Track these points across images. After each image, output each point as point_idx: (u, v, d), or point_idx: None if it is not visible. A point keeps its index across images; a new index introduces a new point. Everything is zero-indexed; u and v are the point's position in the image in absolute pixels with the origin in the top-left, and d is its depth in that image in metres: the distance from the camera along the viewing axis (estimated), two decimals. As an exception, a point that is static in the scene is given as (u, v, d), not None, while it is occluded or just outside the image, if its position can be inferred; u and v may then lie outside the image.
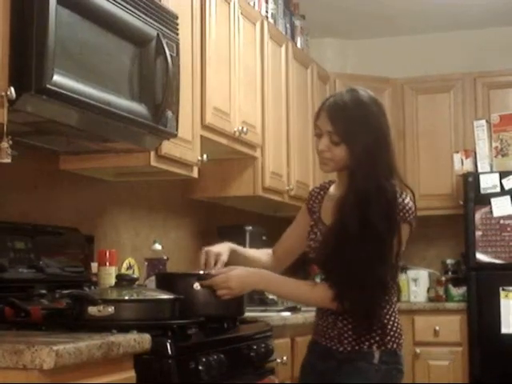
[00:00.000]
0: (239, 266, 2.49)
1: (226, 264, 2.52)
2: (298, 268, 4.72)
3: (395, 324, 2.37)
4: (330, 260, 2.35)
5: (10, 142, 2.17)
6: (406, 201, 2.35)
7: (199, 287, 2.48)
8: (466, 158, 5.08)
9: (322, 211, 2.47)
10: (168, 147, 3.01)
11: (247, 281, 2.45)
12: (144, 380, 2.13)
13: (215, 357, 2.35)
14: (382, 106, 2.42)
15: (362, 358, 2.33)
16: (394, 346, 2.35)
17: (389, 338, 2.34)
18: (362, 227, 2.27)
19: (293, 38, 4.77)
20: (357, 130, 2.31)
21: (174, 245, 3.95)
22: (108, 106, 2.45)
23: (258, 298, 3.91)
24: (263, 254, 2.69)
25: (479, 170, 5.02)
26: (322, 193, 2.52)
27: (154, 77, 2.70)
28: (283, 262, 2.67)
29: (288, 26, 4.71)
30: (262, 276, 2.47)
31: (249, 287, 2.49)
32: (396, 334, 2.36)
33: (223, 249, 2.56)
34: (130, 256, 3.49)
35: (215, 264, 2.51)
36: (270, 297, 3.94)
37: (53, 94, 2.19)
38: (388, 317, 2.36)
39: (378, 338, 2.33)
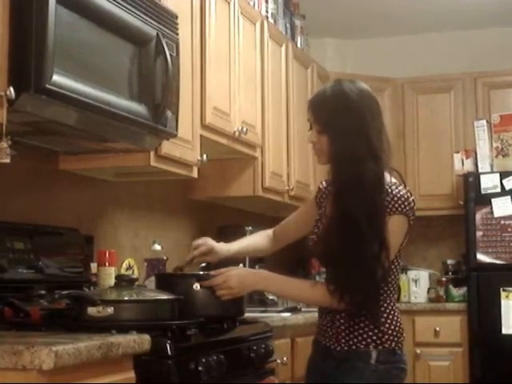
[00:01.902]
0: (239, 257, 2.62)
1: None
2: (297, 266, 4.76)
3: (393, 322, 2.35)
4: (324, 256, 2.39)
5: (10, 142, 2.17)
6: (402, 192, 2.33)
7: (199, 287, 2.47)
8: (467, 158, 5.08)
9: (327, 206, 2.48)
10: (168, 147, 3.01)
11: (247, 280, 2.45)
12: (144, 381, 2.12)
13: (215, 357, 2.34)
14: (368, 95, 2.40)
15: (358, 358, 2.33)
16: (393, 344, 2.33)
17: (387, 336, 2.33)
18: (344, 221, 2.29)
19: (293, 37, 4.76)
20: (335, 118, 2.35)
21: (174, 245, 3.94)
22: (107, 105, 2.44)
23: (258, 299, 3.90)
24: (261, 238, 2.79)
25: (480, 170, 5.01)
26: (329, 188, 2.52)
27: (154, 77, 2.70)
28: (280, 243, 2.77)
29: (288, 25, 4.70)
30: (261, 276, 2.49)
31: (249, 287, 2.49)
32: (395, 333, 2.35)
33: (220, 252, 2.67)
34: (129, 256, 3.49)
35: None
36: (270, 297, 3.94)
37: (52, 93, 2.18)
38: (386, 315, 2.34)
39: (374, 338, 2.32)
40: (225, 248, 2.69)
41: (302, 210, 2.70)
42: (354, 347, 2.33)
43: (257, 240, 2.80)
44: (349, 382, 2.33)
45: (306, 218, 2.59)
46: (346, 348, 2.34)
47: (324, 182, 2.57)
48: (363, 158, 2.30)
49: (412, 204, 2.35)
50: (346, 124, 2.33)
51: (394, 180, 2.38)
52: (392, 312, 2.37)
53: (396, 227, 2.31)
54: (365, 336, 2.32)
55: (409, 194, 2.36)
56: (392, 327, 2.35)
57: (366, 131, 2.32)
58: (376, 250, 2.27)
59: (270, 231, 2.79)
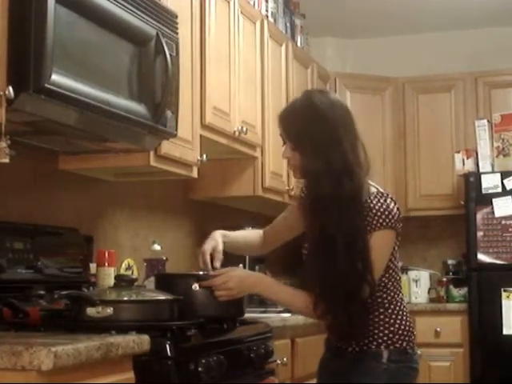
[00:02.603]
0: (232, 250, 2.58)
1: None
2: (296, 268, 4.75)
3: (403, 322, 2.35)
4: (308, 272, 2.34)
5: (9, 142, 2.16)
6: (385, 205, 2.27)
7: (198, 288, 2.47)
8: (468, 157, 5.07)
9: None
10: (168, 147, 3.00)
11: (246, 282, 2.45)
12: (143, 381, 2.12)
13: (215, 358, 2.34)
14: (340, 107, 2.34)
15: (370, 358, 2.33)
16: (404, 344, 2.34)
17: (397, 337, 2.33)
18: (322, 241, 2.25)
19: (293, 37, 4.76)
20: (306, 132, 2.29)
21: (174, 245, 3.94)
22: (107, 105, 2.44)
23: (258, 299, 3.89)
24: (253, 235, 2.75)
25: (480, 170, 5.01)
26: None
27: (154, 76, 2.69)
28: (271, 245, 2.72)
29: (288, 25, 4.69)
30: (260, 280, 2.48)
31: (247, 289, 2.48)
32: (405, 333, 2.35)
33: (216, 241, 2.58)
34: (129, 256, 3.48)
35: (212, 261, 2.54)
36: (270, 298, 3.93)
37: (51, 93, 2.18)
38: (394, 316, 2.35)
39: (385, 338, 2.32)
40: (221, 234, 2.63)
41: (288, 216, 2.61)
42: (365, 347, 2.33)
43: (250, 235, 2.77)
44: (361, 382, 2.33)
45: (291, 223, 2.53)
46: (357, 349, 2.34)
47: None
48: (337, 173, 2.24)
49: (396, 215, 2.29)
50: (318, 138, 2.27)
51: (375, 190, 2.31)
52: (400, 312, 2.36)
53: (380, 243, 2.27)
54: (376, 337, 2.32)
55: (392, 205, 2.29)
56: (402, 327, 2.35)
57: (339, 145, 2.26)
58: (360, 268, 2.22)
59: (261, 231, 2.75)
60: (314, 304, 2.28)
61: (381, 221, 2.27)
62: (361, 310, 2.26)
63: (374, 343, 2.32)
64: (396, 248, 2.36)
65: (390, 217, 2.28)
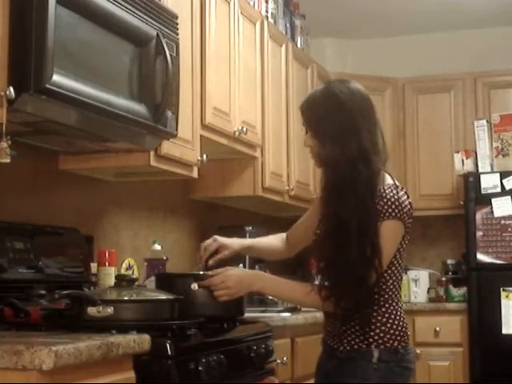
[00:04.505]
0: (253, 253, 2.63)
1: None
2: (297, 266, 4.75)
3: (396, 322, 2.35)
4: (319, 259, 2.37)
5: (9, 142, 2.17)
6: (397, 196, 2.29)
7: (196, 287, 2.47)
8: (467, 157, 5.08)
9: None
10: (168, 147, 3.01)
11: (245, 281, 2.46)
12: (143, 381, 2.12)
13: (215, 357, 2.34)
14: (360, 96, 2.37)
15: (361, 357, 2.33)
16: (395, 344, 2.33)
17: (388, 336, 2.33)
18: (335, 225, 2.28)
19: (293, 37, 4.76)
20: (325, 120, 2.34)
21: (174, 245, 3.94)
22: (107, 105, 2.44)
23: (258, 299, 3.90)
24: (276, 239, 2.77)
25: (480, 170, 5.01)
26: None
27: (154, 77, 2.70)
28: (295, 247, 2.75)
29: (288, 25, 4.70)
30: (258, 277, 2.50)
31: (247, 287, 2.49)
32: (397, 332, 2.34)
33: (232, 246, 2.64)
34: (129, 256, 3.48)
35: (216, 253, 2.59)
36: (270, 297, 3.94)
37: (52, 93, 2.18)
38: (387, 315, 2.34)
39: (376, 337, 2.32)
40: (237, 242, 2.69)
41: (310, 212, 2.66)
42: (356, 347, 2.33)
43: (272, 240, 2.78)
44: (351, 382, 2.33)
45: (314, 219, 2.54)
46: (348, 348, 2.34)
47: None
48: (353, 160, 2.28)
49: (407, 208, 2.32)
50: (335, 126, 2.32)
51: (391, 182, 2.34)
52: (394, 312, 2.36)
53: (389, 232, 2.29)
54: (366, 336, 2.32)
55: (405, 198, 2.32)
56: (394, 326, 2.34)
57: (356, 133, 2.30)
58: (369, 254, 2.25)
59: (284, 234, 2.77)
60: (319, 287, 2.30)
61: (390, 210, 2.28)
62: (367, 296, 2.28)
63: (365, 342, 2.32)
64: (404, 246, 2.36)
65: (400, 208, 2.29)
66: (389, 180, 2.35)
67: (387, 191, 2.30)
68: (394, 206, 2.29)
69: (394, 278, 2.37)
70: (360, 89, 2.40)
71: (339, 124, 2.31)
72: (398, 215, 2.30)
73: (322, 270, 2.35)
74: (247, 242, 2.76)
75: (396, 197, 2.30)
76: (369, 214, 2.26)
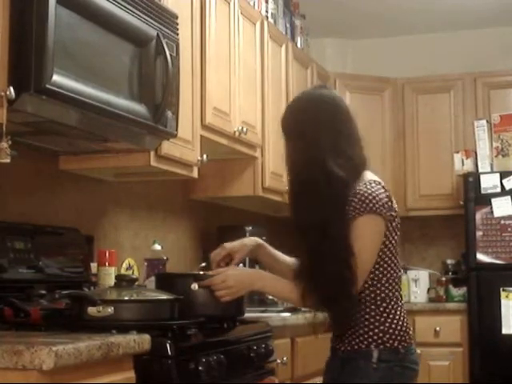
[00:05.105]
0: (269, 267, 2.61)
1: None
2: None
3: (395, 321, 2.34)
4: (298, 256, 2.43)
5: (10, 142, 2.17)
6: (371, 190, 2.28)
7: (197, 287, 2.47)
8: (467, 157, 5.08)
9: None
10: (168, 147, 3.01)
11: (245, 280, 2.47)
12: (144, 381, 2.12)
13: (215, 357, 2.34)
14: (331, 99, 2.43)
15: (361, 357, 2.33)
16: (395, 343, 2.32)
17: (388, 336, 2.32)
18: (302, 226, 2.35)
19: (293, 37, 4.76)
20: (288, 124, 2.44)
21: (174, 245, 3.94)
22: (108, 105, 2.45)
23: (258, 299, 3.90)
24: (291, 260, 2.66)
25: (480, 170, 5.01)
26: None
27: (154, 77, 2.70)
28: None
29: (288, 25, 4.70)
30: (259, 276, 2.50)
31: (247, 286, 2.49)
32: (397, 332, 2.33)
33: (243, 245, 2.60)
34: (129, 256, 3.49)
35: (231, 261, 2.55)
36: (270, 297, 3.94)
37: (52, 93, 2.19)
38: (386, 315, 2.34)
39: (375, 337, 2.32)
40: (246, 240, 2.66)
41: None
42: (356, 347, 2.33)
43: (289, 260, 2.63)
44: (351, 382, 2.33)
45: None
46: (348, 348, 2.35)
47: None
48: (306, 162, 2.35)
49: (384, 201, 2.29)
50: (296, 128, 2.40)
51: (370, 178, 2.33)
52: (393, 311, 2.35)
53: (365, 228, 2.28)
54: (366, 336, 2.32)
55: (381, 191, 2.30)
56: (393, 326, 2.34)
57: (314, 138, 2.35)
58: (343, 254, 2.25)
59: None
60: (302, 297, 2.33)
61: (364, 205, 2.27)
62: (341, 291, 2.27)
63: (365, 342, 2.32)
64: (393, 241, 2.34)
65: (374, 201, 2.27)
66: (367, 178, 2.34)
67: (361, 187, 2.29)
68: (367, 201, 2.27)
69: (389, 275, 2.35)
70: (331, 94, 2.47)
71: (299, 127, 2.39)
72: (374, 209, 2.27)
73: (299, 272, 2.37)
74: (256, 239, 2.69)
75: (369, 191, 2.29)
76: (338, 213, 2.27)
